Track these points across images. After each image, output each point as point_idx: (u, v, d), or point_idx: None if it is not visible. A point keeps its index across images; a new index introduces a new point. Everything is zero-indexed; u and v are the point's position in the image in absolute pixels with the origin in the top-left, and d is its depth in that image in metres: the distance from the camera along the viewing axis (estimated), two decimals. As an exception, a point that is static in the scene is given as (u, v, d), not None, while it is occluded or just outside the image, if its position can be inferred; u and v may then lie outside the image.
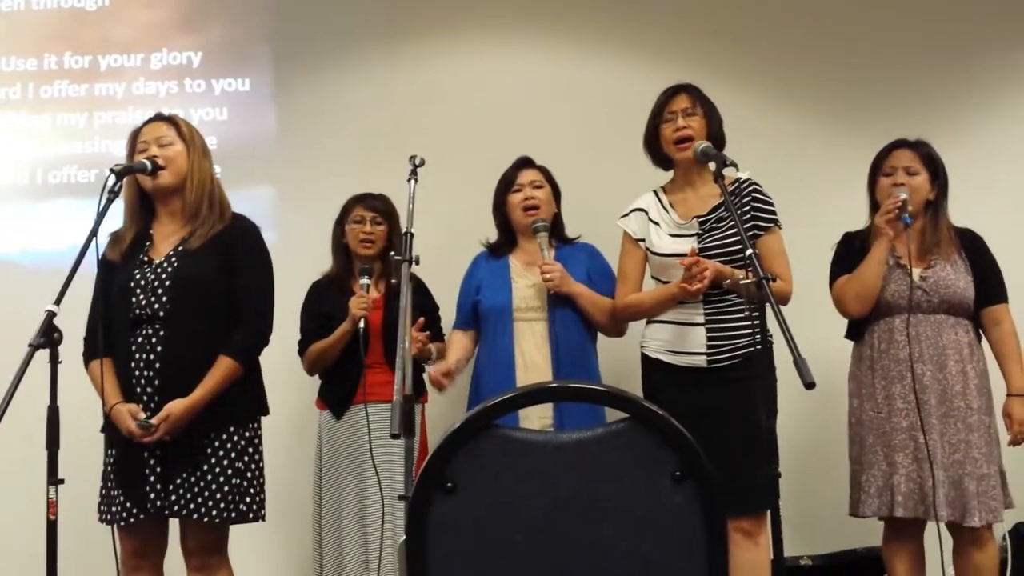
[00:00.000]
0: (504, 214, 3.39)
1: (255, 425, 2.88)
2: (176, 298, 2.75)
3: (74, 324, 2.72)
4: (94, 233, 2.63)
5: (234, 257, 2.83)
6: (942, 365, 3.00)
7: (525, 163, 3.42)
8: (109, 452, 2.81)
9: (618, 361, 3.41)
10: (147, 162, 2.79)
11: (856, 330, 3.17)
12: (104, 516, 2.77)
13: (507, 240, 3.42)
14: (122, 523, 2.72)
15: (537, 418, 3.04)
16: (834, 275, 3.19)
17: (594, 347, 3.33)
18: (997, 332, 3.10)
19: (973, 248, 3.13)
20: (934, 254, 3.09)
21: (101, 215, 2.65)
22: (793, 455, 3.30)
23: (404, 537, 1.34)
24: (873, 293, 3.05)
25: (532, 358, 3.19)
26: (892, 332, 3.05)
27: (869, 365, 3.08)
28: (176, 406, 2.70)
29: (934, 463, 2.90)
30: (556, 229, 3.41)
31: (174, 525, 2.85)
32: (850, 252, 3.16)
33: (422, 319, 3.21)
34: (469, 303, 3.38)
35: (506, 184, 3.39)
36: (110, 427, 2.76)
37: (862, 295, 3.06)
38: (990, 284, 3.10)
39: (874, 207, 3.16)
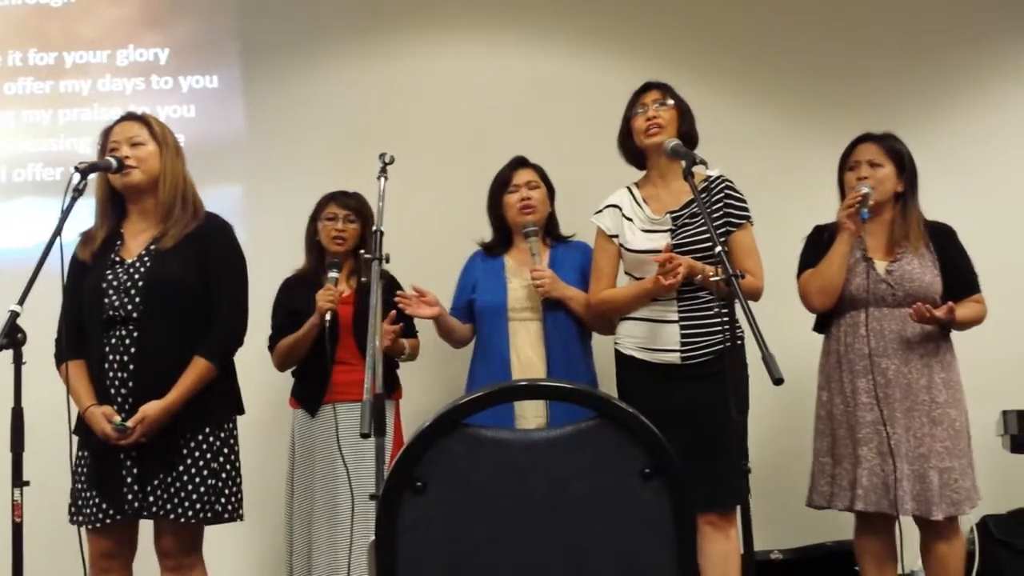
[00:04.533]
0: (500, 215, 3.39)
1: (230, 425, 2.87)
2: (148, 299, 2.73)
3: (39, 324, 2.67)
4: (58, 232, 2.61)
5: (208, 256, 2.82)
6: (907, 359, 3.01)
7: (521, 163, 3.41)
8: (81, 454, 2.78)
9: (605, 359, 3.40)
10: (112, 160, 2.76)
11: (823, 323, 3.19)
12: (75, 518, 2.76)
13: (502, 240, 3.42)
14: (97, 524, 2.71)
15: (533, 416, 3.06)
16: (801, 268, 3.19)
17: (589, 346, 3.34)
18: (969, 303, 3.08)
19: (943, 241, 3.13)
20: (902, 247, 3.09)
21: (66, 213, 2.63)
22: (764, 450, 3.32)
23: (374, 537, 1.34)
24: (836, 287, 3.06)
25: (527, 357, 3.20)
26: (857, 326, 3.05)
27: (837, 360, 3.10)
28: (151, 408, 2.68)
29: (897, 457, 2.92)
30: (551, 228, 3.42)
31: (144, 526, 2.82)
32: (818, 245, 3.16)
33: (393, 312, 3.20)
34: (464, 300, 3.39)
35: (501, 184, 3.38)
36: (83, 429, 2.74)
37: (825, 289, 3.08)
38: (961, 278, 3.11)
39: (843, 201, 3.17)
